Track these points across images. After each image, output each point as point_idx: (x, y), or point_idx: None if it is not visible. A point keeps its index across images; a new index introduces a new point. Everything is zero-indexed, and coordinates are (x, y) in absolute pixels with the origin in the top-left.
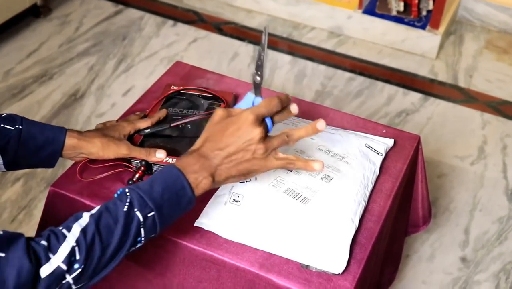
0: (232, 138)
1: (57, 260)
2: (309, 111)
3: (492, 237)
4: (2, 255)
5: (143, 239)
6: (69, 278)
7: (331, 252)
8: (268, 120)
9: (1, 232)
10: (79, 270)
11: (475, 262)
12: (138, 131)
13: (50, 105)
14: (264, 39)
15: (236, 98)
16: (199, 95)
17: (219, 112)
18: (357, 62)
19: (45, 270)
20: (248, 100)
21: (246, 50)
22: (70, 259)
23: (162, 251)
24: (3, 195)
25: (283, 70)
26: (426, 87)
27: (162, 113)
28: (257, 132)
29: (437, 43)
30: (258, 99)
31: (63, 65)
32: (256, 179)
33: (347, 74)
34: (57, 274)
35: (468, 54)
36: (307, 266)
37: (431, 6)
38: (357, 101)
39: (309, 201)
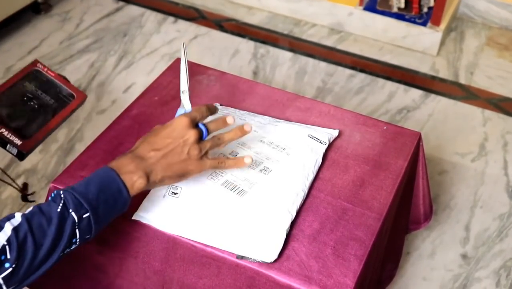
0: (168, 139)
1: None
2: (310, 108)
3: (493, 234)
4: None
5: (78, 240)
6: None
7: (265, 242)
8: (202, 127)
9: None
10: (10, 270)
11: (476, 259)
12: None
13: None
14: (184, 53)
15: (85, 100)
16: (56, 84)
17: (155, 126)
18: (358, 59)
19: None
20: (180, 113)
21: (247, 47)
22: (0, 258)
23: (162, 247)
24: (4, 192)
25: (284, 67)
26: (427, 84)
27: None
28: (192, 133)
29: (438, 40)
30: (189, 110)
31: (64, 62)
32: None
33: (348, 71)
34: None
35: (469, 51)
36: (242, 256)
37: (432, 3)
38: (358, 98)
39: (245, 193)
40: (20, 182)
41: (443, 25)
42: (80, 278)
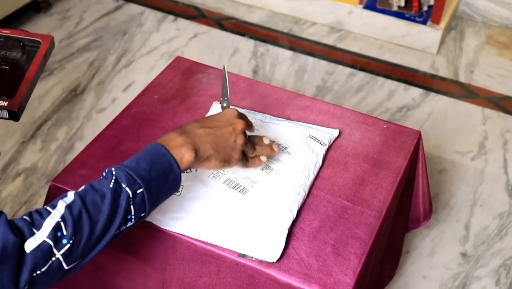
0: (218, 122)
1: (41, 235)
2: (310, 107)
3: (492, 232)
4: None
5: (133, 217)
6: (58, 255)
7: (266, 241)
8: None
9: None
10: (68, 245)
11: (476, 258)
12: None
13: (50, 100)
14: (224, 73)
15: (53, 42)
16: (17, 38)
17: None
18: (357, 58)
19: (30, 245)
20: None
21: (247, 46)
22: (56, 234)
23: (162, 245)
24: (3, 190)
25: (283, 65)
26: (427, 82)
27: None
28: (240, 122)
29: (438, 38)
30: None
31: (64, 61)
32: (196, 169)
33: (348, 70)
34: (44, 250)
35: (469, 49)
36: (243, 255)
37: (432, 1)
38: (358, 96)
39: (247, 191)
40: (19, 181)
41: (443, 23)
42: (80, 277)
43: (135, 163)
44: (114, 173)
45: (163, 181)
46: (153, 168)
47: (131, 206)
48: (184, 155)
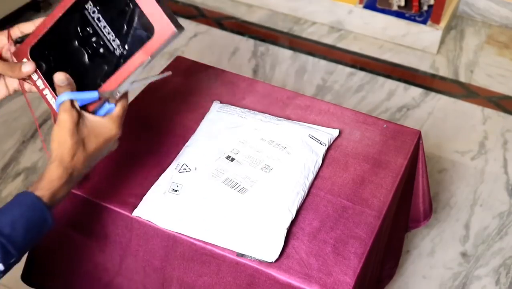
0: (103, 145)
1: None
2: (310, 106)
3: (492, 232)
4: None
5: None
6: None
7: (265, 241)
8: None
9: None
10: None
11: (476, 257)
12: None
13: None
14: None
15: (171, 38)
16: (138, 10)
17: (72, 118)
18: (357, 57)
19: None
20: (105, 108)
21: (247, 45)
22: None
23: (162, 245)
24: (3, 190)
25: (283, 65)
26: (427, 82)
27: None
28: (118, 135)
29: (438, 38)
30: (112, 107)
31: None
32: (196, 169)
33: (348, 69)
34: None
35: (469, 49)
36: (242, 254)
37: (432, 1)
38: (358, 96)
39: (246, 191)
40: (20, 180)
41: (443, 23)
42: (80, 276)
43: (11, 227)
44: None
45: (36, 238)
46: (29, 232)
47: (2, 273)
48: (58, 198)
